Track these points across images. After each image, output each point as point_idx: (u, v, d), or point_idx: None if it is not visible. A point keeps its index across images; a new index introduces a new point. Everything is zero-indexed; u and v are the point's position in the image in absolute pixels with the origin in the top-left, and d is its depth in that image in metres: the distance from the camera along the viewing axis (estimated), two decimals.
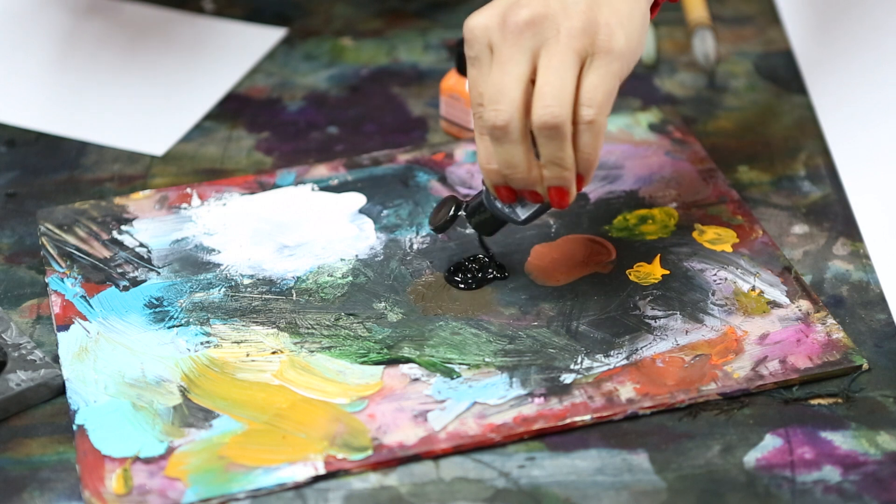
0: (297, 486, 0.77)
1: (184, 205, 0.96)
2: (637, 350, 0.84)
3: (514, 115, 0.78)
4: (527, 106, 0.78)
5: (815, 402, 0.82)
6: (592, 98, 0.77)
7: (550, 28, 0.78)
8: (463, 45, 0.99)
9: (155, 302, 0.88)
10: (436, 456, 0.79)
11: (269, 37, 1.14)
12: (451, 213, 0.87)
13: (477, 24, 0.80)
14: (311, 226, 0.94)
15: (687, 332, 0.85)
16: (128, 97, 1.08)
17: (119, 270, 0.90)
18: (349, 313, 0.87)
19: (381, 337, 0.85)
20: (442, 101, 1.02)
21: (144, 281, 0.90)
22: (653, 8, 0.85)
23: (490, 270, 0.90)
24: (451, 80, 1.01)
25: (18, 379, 0.82)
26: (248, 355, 0.84)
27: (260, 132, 1.05)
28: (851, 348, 0.84)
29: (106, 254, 0.92)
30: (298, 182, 0.98)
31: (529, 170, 0.79)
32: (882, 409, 0.81)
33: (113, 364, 0.84)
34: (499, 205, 0.84)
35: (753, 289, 0.88)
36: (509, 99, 0.78)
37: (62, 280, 0.89)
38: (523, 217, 0.84)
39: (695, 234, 0.93)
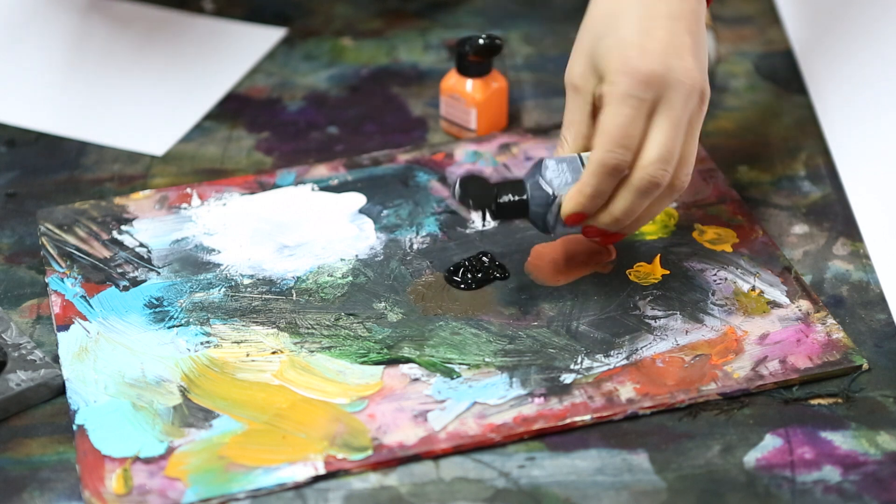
0: (297, 486, 0.77)
1: (184, 205, 0.96)
2: (637, 350, 0.84)
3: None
4: None
5: (815, 402, 0.82)
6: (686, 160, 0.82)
7: (667, 87, 0.80)
8: (464, 46, 0.99)
9: (155, 302, 0.88)
10: (436, 456, 0.79)
11: (269, 37, 1.14)
12: (491, 208, 0.85)
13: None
14: (311, 226, 0.94)
15: (687, 332, 0.85)
16: (128, 97, 1.08)
17: (119, 270, 0.90)
18: (349, 313, 0.87)
19: (381, 337, 0.85)
20: (442, 101, 1.02)
21: (144, 281, 0.90)
22: None
23: (490, 270, 0.90)
24: (451, 80, 1.01)
25: (18, 379, 0.82)
26: (248, 355, 0.84)
27: (260, 132, 1.05)
28: (851, 348, 0.84)
29: (106, 254, 0.92)
30: (298, 182, 0.98)
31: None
32: (882, 409, 0.81)
33: (113, 364, 0.84)
34: (550, 218, 0.85)
35: (753, 289, 0.88)
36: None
37: (62, 280, 0.89)
38: (557, 234, 0.89)
39: (695, 234, 0.93)
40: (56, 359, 0.84)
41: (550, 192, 0.83)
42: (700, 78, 0.80)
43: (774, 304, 0.87)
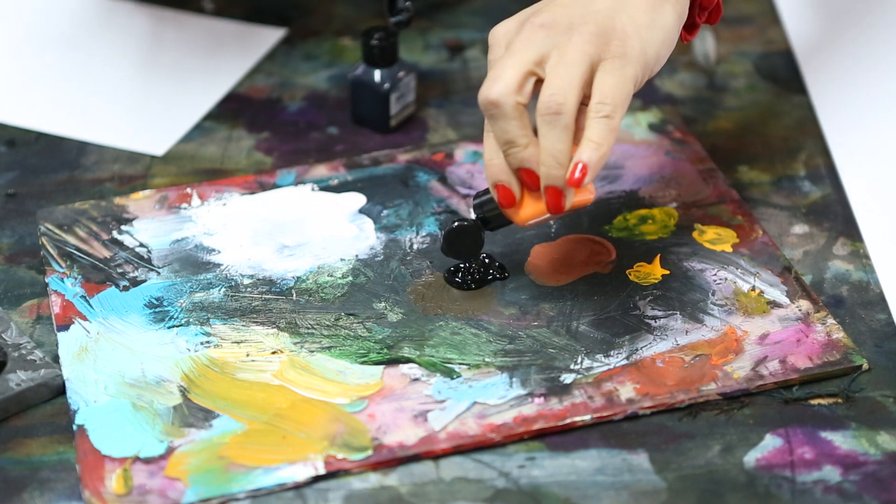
0: (297, 486, 0.77)
1: (184, 205, 0.96)
2: (637, 350, 0.84)
3: (508, 91, 0.79)
4: (523, 91, 0.80)
5: (815, 402, 0.82)
6: (607, 95, 0.79)
7: (565, 33, 0.80)
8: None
9: (155, 302, 0.88)
10: (436, 456, 0.79)
11: (269, 37, 1.14)
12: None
13: (499, 29, 0.83)
14: (311, 226, 0.94)
15: (687, 332, 0.85)
16: (128, 97, 1.08)
17: (119, 270, 0.90)
18: (349, 313, 0.87)
19: (381, 337, 0.85)
20: None
21: (144, 281, 0.90)
22: (692, 28, 0.86)
23: (490, 270, 0.90)
24: None
25: (18, 379, 0.82)
26: (248, 355, 0.84)
27: (260, 132, 1.05)
28: (851, 348, 0.84)
29: (106, 254, 0.92)
30: (298, 182, 0.98)
31: (527, 146, 0.80)
32: (882, 409, 0.81)
33: (113, 364, 0.84)
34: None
35: (753, 289, 0.88)
36: (505, 76, 0.79)
37: (62, 280, 0.89)
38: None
39: (695, 234, 0.93)
40: (56, 359, 0.84)
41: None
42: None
43: (774, 304, 0.87)
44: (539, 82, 0.80)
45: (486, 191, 0.85)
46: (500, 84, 0.79)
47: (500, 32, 0.82)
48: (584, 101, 0.80)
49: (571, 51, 0.79)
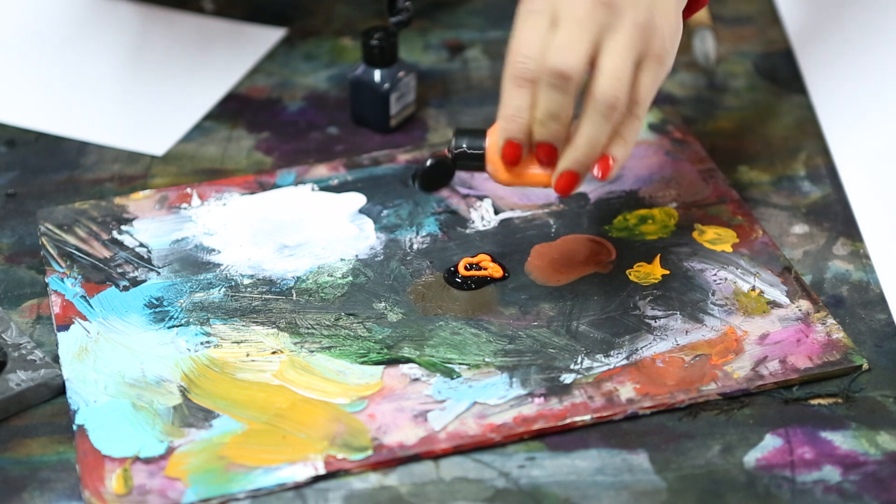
0: (297, 486, 0.77)
1: (184, 205, 0.96)
2: (637, 350, 0.84)
3: (580, 67, 0.78)
4: (587, 69, 0.79)
5: (815, 402, 0.82)
6: (641, 95, 0.79)
7: (619, 14, 0.78)
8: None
9: (155, 302, 0.88)
10: (436, 456, 0.79)
11: (269, 37, 1.14)
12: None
13: None
14: (311, 226, 0.94)
15: (687, 332, 0.85)
16: (128, 97, 1.08)
17: (119, 270, 0.90)
18: (349, 313, 0.87)
19: (381, 337, 0.85)
20: None
21: (144, 281, 0.90)
22: (685, 11, 0.86)
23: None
24: None
25: (18, 379, 0.82)
26: (248, 355, 0.84)
27: (260, 132, 1.05)
28: (851, 348, 0.84)
29: (106, 254, 0.92)
30: (298, 182, 0.98)
31: (567, 126, 0.79)
32: (882, 409, 0.81)
33: (113, 364, 0.84)
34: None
35: (753, 289, 0.88)
36: (578, 50, 0.78)
37: (62, 280, 0.89)
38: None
39: (695, 234, 0.93)
40: (56, 359, 0.84)
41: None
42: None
43: (774, 304, 0.87)
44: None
45: (476, 131, 0.83)
46: (574, 57, 0.77)
47: None
48: None
49: (626, 45, 0.78)
